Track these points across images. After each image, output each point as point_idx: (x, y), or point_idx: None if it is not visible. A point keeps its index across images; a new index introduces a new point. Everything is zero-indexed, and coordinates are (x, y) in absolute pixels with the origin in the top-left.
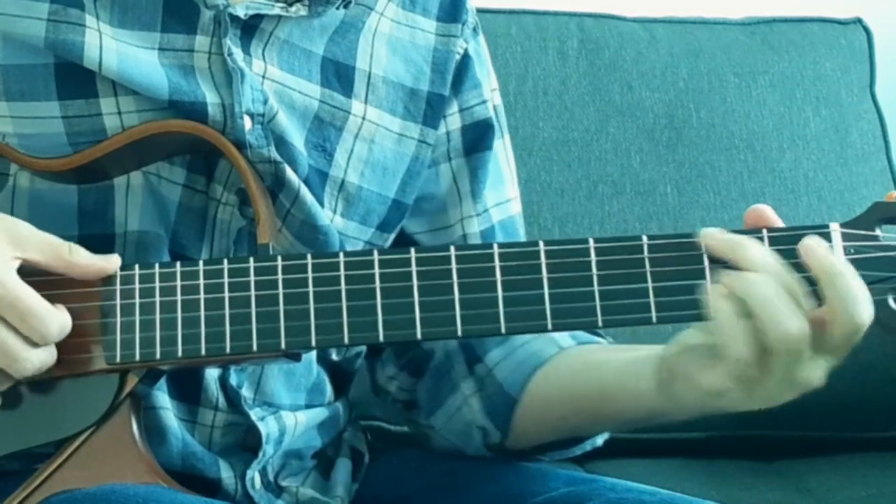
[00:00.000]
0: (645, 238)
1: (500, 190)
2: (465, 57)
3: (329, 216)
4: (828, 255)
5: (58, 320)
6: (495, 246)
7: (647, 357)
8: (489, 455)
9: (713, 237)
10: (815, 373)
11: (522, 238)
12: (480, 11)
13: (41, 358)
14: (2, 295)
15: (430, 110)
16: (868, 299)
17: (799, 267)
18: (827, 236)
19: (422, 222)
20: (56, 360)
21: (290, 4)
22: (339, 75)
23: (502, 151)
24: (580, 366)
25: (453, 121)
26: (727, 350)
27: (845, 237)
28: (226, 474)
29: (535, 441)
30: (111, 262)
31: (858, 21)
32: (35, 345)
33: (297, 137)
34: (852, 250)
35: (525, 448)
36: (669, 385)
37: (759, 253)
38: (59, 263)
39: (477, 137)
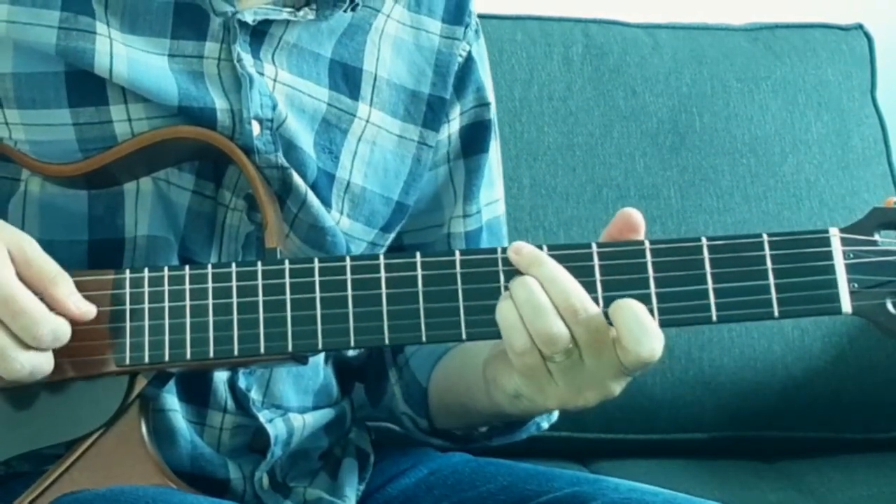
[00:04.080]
0: (647, 243)
1: (491, 190)
2: (469, 59)
3: (336, 217)
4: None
5: (51, 324)
6: (499, 250)
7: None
8: (435, 441)
9: (517, 251)
10: (606, 383)
11: (506, 238)
12: (486, 17)
13: (33, 361)
14: None
15: (431, 113)
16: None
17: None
18: (826, 241)
19: (412, 221)
20: (53, 367)
21: (298, 9)
22: (346, 77)
23: (495, 153)
24: (461, 360)
25: (455, 123)
26: (506, 344)
27: (844, 242)
28: (234, 475)
29: (452, 426)
30: (86, 312)
31: (860, 27)
32: (27, 347)
33: (306, 141)
34: (851, 255)
35: (458, 432)
36: (487, 388)
37: (547, 267)
38: (38, 286)
39: (475, 138)
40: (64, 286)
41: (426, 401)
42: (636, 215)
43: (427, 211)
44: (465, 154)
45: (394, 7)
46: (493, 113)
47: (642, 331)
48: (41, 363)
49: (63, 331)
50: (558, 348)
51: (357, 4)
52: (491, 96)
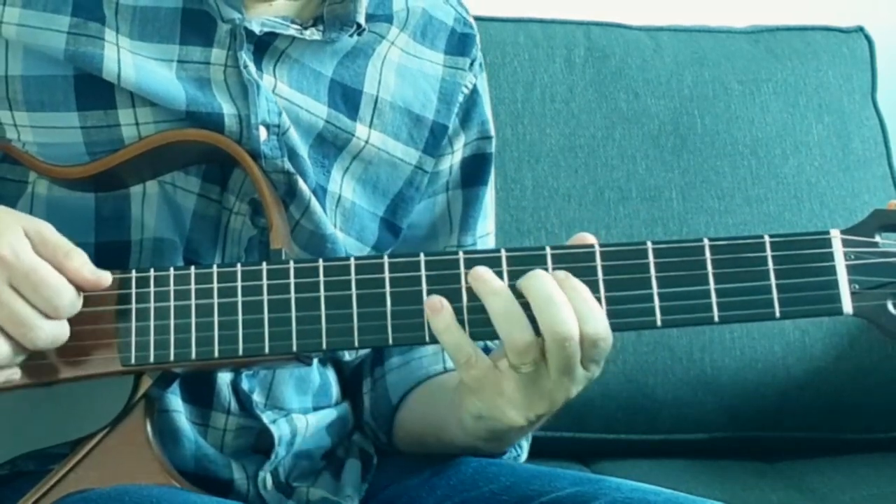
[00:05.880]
0: (649, 243)
1: (485, 223)
2: (474, 92)
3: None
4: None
5: (69, 293)
6: (503, 251)
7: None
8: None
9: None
10: (564, 385)
11: None
12: (489, 20)
13: (53, 330)
14: (16, 266)
15: (433, 139)
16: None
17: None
18: (827, 243)
19: (406, 247)
20: (68, 334)
21: (305, 28)
22: (345, 98)
23: (491, 187)
24: (438, 390)
25: (458, 154)
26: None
27: (845, 243)
28: (238, 476)
29: (412, 450)
30: (101, 278)
31: (860, 29)
32: (47, 317)
33: (303, 152)
34: (852, 256)
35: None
36: (460, 416)
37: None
38: (53, 262)
39: (475, 170)
40: (77, 258)
41: (392, 419)
42: (590, 240)
43: (423, 238)
44: (464, 185)
45: (399, 35)
46: (493, 147)
47: (591, 312)
48: (60, 331)
49: (78, 301)
50: (528, 358)
51: (363, 30)
52: (493, 131)
